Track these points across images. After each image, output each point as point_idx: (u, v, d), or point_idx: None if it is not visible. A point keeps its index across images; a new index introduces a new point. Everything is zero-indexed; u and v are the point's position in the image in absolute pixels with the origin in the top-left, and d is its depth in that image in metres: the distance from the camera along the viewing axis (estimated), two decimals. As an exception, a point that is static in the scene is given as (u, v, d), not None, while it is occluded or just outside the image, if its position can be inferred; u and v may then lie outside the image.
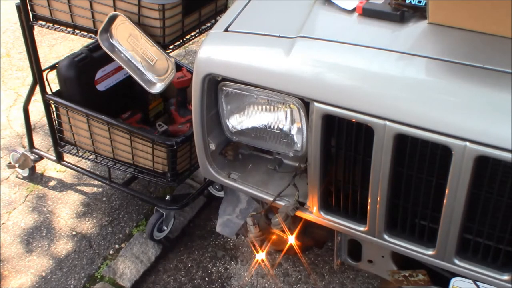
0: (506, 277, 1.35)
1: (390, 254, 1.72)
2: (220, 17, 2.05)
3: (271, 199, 1.65)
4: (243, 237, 2.42)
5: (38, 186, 2.81)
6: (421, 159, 1.35)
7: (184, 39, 2.11)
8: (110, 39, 2.01)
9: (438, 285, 1.66)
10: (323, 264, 2.42)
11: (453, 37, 1.38)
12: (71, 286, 2.33)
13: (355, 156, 1.46)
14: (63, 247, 2.49)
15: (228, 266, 2.43)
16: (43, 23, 2.21)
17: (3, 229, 2.57)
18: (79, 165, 2.65)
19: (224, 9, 2.29)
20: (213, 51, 1.55)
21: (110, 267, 2.39)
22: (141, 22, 1.94)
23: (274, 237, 1.83)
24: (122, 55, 2.01)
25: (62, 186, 2.82)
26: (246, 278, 2.37)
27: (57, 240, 2.52)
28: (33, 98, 2.59)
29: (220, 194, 2.63)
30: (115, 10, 1.96)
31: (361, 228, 1.53)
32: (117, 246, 2.51)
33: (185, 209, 2.57)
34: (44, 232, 2.56)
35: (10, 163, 2.81)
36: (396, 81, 1.33)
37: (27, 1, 2.17)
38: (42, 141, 3.10)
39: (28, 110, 2.60)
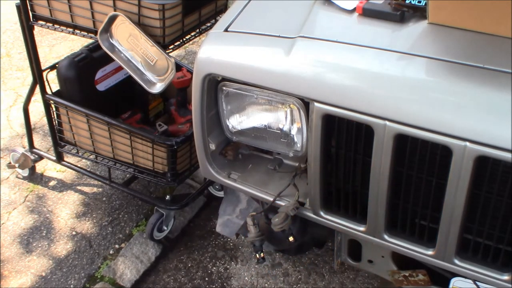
0: (506, 277, 1.35)
1: (390, 254, 1.72)
2: (220, 17, 2.05)
3: (271, 199, 1.65)
4: (243, 237, 2.42)
5: (38, 186, 2.81)
6: (421, 159, 1.34)
7: (184, 39, 2.11)
8: (110, 39, 2.01)
9: (438, 285, 1.66)
10: (323, 264, 2.42)
11: (453, 37, 1.38)
12: (71, 286, 2.32)
13: (355, 156, 1.46)
14: (63, 247, 2.49)
15: (228, 266, 2.42)
16: (43, 23, 2.21)
17: (3, 229, 2.57)
18: (79, 165, 2.65)
19: (224, 9, 2.29)
20: (213, 51, 1.55)
21: (110, 267, 2.39)
22: (141, 22, 1.94)
23: (274, 237, 1.83)
24: (122, 55, 2.01)
25: (62, 186, 2.82)
26: (246, 278, 2.37)
27: (57, 240, 2.52)
28: (33, 98, 2.59)
29: (220, 194, 2.63)
30: (115, 10, 1.96)
31: (361, 228, 1.53)
32: (117, 246, 2.51)
33: (185, 209, 2.57)
34: (44, 232, 2.56)
35: (10, 163, 2.81)
36: (396, 81, 1.33)
37: (27, 1, 2.17)
38: (42, 141, 3.10)
39: (28, 110, 2.60)
